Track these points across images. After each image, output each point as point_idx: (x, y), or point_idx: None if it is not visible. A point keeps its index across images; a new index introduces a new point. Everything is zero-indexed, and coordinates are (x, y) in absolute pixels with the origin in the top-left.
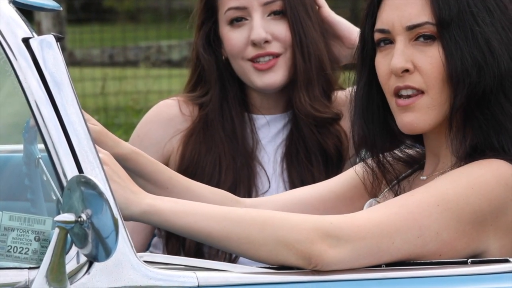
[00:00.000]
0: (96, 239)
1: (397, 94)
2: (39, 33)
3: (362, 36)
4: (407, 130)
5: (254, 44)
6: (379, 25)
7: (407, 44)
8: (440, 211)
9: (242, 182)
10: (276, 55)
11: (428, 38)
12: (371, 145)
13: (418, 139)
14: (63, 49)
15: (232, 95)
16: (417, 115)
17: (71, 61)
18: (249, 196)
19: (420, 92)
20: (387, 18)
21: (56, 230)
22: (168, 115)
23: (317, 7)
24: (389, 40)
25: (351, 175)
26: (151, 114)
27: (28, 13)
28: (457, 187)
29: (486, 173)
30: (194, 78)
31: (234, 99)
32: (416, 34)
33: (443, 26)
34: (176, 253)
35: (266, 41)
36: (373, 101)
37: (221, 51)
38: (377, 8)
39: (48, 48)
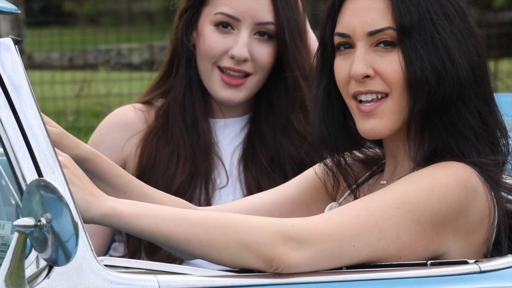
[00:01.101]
0: (56, 243)
1: (356, 98)
2: None
3: (322, 38)
4: (369, 136)
5: (233, 57)
6: (339, 29)
7: (368, 49)
8: (401, 213)
9: (200, 175)
10: (247, 74)
11: (389, 45)
12: (332, 147)
13: (377, 142)
14: (22, 52)
15: (195, 87)
16: (379, 121)
17: (30, 65)
18: (206, 190)
19: (384, 95)
20: (347, 22)
21: (16, 235)
22: (123, 120)
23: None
24: (349, 45)
25: (307, 178)
26: (106, 121)
27: None
28: (417, 189)
29: (446, 175)
30: (167, 66)
31: (198, 92)
32: (377, 39)
33: (404, 33)
34: (137, 250)
35: (245, 60)
36: (333, 105)
37: (191, 38)
38: (338, 11)
39: (6, 51)
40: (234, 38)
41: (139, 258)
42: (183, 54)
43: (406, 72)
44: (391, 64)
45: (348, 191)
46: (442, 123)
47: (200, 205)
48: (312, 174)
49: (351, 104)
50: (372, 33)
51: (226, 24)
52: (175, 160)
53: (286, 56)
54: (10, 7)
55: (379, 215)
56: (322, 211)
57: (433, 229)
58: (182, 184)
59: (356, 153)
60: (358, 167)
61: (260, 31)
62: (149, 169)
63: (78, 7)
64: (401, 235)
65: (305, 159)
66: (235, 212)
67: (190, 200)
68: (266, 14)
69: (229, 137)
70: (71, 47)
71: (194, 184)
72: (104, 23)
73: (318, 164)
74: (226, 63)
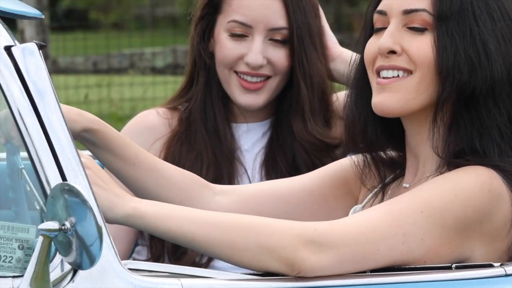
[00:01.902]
0: (80, 247)
1: (379, 73)
2: (23, 41)
3: (365, 19)
4: (378, 110)
5: (248, 64)
6: (379, 6)
7: (400, 28)
8: (425, 217)
9: (223, 180)
10: (266, 77)
11: (420, 30)
12: (363, 136)
13: (400, 145)
14: (46, 57)
15: (215, 93)
16: (392, 95)
17: (55, 69)
18: None
19: (407, 73)
20: (387, 1)
21: (40, 238)
22: (147, 124)
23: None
24: (385, 28)
25: (330, 172)
26: (130, 124)
27: (11, 21)
28: (441, 193)
29: (470, 179)
30: (188, 76)
31: (218, 97)
32: (411, 20)
33: (441, 18)
34: (160, 254)
35: (260, 66)
36: (365, 88)
37: (209, 45)
38: None
39: (30, 56)
40: (248, 45)
41: (162, 263)
42: (201, 62)
43: (438, 56)
44: (419, 44)
45: (371, 193)
46: (469, 116)
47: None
48: (336, 169)
49: (373, 82)
50: (407, 12)
51: (240, 32)
52: (199, 166)
53: (292, 61)
54: (35, 12)
55: (403, 219)
56: (341, 207)
57: (457, 234)
58: None
59: (381, 154)
60: (382, 169)
61: (274, 37)
62: None
63: (103, 15)
64: (425, 239)
65: (318, 164)
66: (250, 194)
67: None
68: (278, 20)
69: (251, 141)
70: (95, 51)
71: None
72: (128, 28)
73: (348, 158)
74: (242, 68)
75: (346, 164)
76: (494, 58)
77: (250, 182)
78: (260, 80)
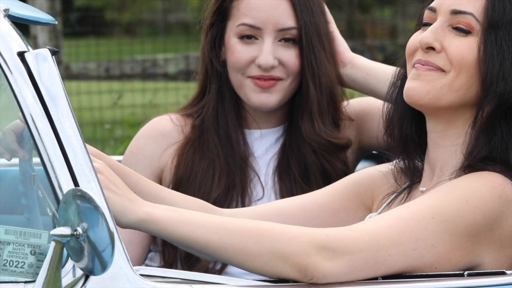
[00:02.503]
0: (92, 253)
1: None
2: (36, 46)
3: (418, 18)
4: (407, 96)
5: (260, 66)
6: (432, 3)
7: (444, 26)
8: (435, 223)
9: (236, 188)
10: (277, 79)
11: (463, 32)
12: (399, 130)
13: (420, 150)
14: (59, 62)
15: (228, 101)
16: (425, 85)
17: (68, 75)
18: (243, 202)
19: (442, 72)
20: None
21: (52, 244)
22: (160, 130)
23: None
24: (431, 23)
25: (340, 187)
26: (144, 130)
27: (24, 27)
28: (452, 200)
29: (481, 186)
30: (200, 85)
31: (230, 105)
32: (457, 21)
33: (492, 26)
34: (173, 261)
35: (272, 67)
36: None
37: (221, 53)
38: None
39: (43, 62)
40: (259, 47)
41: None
42: (213, 70)
43: (483, 63)
44: (460, 45)
45: (388, 201)
46: (508, 127)
47: None
48: (346, 182)
49: (410, 69)
50: (455, 12)
51: (249, 36)
52: (211, 173)
53: (301, 61)
54: (48, 18)
55: (414, 225)
56: (352, 219)
57: (468, 240)
58: (218, 197)
59: (403, 159)
60: (401, 176)
61: (284, 37)
62: (185, 181)
63: (119, 15)
64: (436, 245)
65: (326, 166)
66: (259, 215)
67: None
68: (287, 20)
69: (264, 147)
70: (108, 57)
71: (230, 197)
72: (140, 34)
73: (363, 171)
74: (255, 72)
75: (357, 177)
76: None
77: (263, 188)
78: (272, 80)
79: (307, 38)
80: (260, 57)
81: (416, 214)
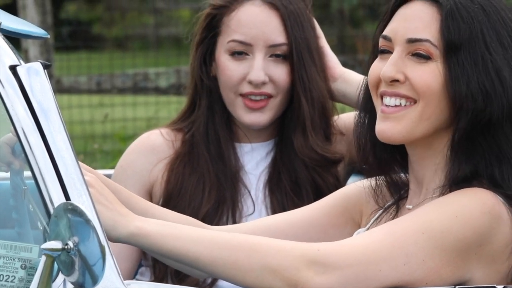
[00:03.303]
0: (83, 267)
1: (382, 99)
2: (27, 60)
3: (373, 43)
4: (380, 137)
5: (250, 82)
6: (385, 31)
7: (403, 56)
8: (426, 239)
9: (226, 203)
10: (268, 96)
11: (423, 58)
12: (373, 157)
13: (404, 166)
14: (51, 76)
15: (219, 116)
16: (395, 124)
17: (59, 89)
18: (233, 217)
19: (410, 102)
20: (393, 26)
21: (43, 258)
22: (151, 145)
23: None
24: (389, 51)
25: (328, 203)
26: (134, 145)
27: (15, 41)
28: (442, 215)
29: (471, 201)
30: (190, 101)
31: (221, 120)
32: (415, 49)
33: (451, 49)
34: (164, 276)
35: (263, 83)
36: (372, 110)
37: (211, 69)
38: (390, 17)
39: (35, 76)
40: (250, 64)
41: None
42: (203, 86)
43: (450, 87)
44: (423, 74)
45: (376, 216)
46: (487, 144)
47: None
48: (334, 198)
49: (377, 106)
50: (411, 41)
51: (240, 51)
52: (201, 188)
53: (292, 76)
54: (40, 32)
55: (404, 240)
56: (341, 235)
57: (458, 255)
58: (208, 212)
59: (388, 176)
60: (386, 192)
61: (275, 53)
62: (175, 196)
63: (106, 31)
64: (426, 261)
65: (317, 180)
66: (248, 232)
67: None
68: (277, 36)
69: (255, 161)
70: (99, 71)
71: (220, 212)
72: (131, 48)
73: (350, 186)
74: (246, 89)
75: (345, 192)
76: (509, 84)
77: (254, 203)
78: (263, 98)
79: (297, 53)
80: (251, 73)
81: (406, 229)
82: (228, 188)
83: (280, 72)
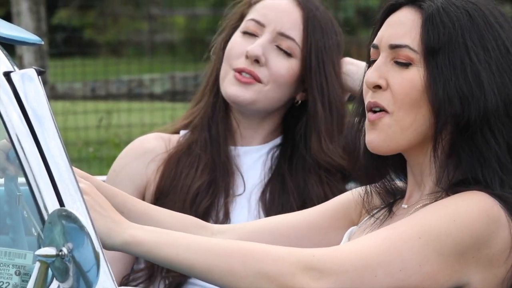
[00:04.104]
0: (78, 273)
1: (370, 109)
2: (21, 67)
3: (367, 55)
4: (370, 149)
5: (247, 57)
6: (373, 39)
7: (387, 61)
8: (422, 243)
9: (218, 183)
10: (257, 80)
11: (403, 65)
12: (370, 163)
13: (402, 168)
14: (45, 82)
15: (221, 116)
16: (378, 134)
17: (53, 95)
18: (225, 196)
19: (385, 112)
20: (380, 33)
21: (37, 264)
22: (143, 148)
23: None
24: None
25: (330, 206)
26: (127, 149)
27: (10, 47)
28: (439, 219)
29: (468, 205)
30: (198, 98)
31: (222, 120)
32: (396, 55)
33: (429, 52)
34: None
35: (257, 61)
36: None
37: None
38: (379, 26)
39: (29, 82)
40: (254, 41)
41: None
42: (216, 79)
43: (428, 91)
44: (401, 81)
45: (368, 216)
46: (468, 147)
47: (218, 214)
48: (336, 202)
49: (366, 117)
50: (392, 46)
51: (252, 33)
52: (195, 167)
53: (310, 79)
54: (35, 38)
55: (401, 245)
56: (341, 238)
57: (455, 260)
58: (200, 189)
59: (383, 181)
60: (384, 195)
61: (280, 45)
62: (168, 185)
63: (99, 36)
64: (423, 265)
65: (327, 192)
66: (248, 232)
67: (208, 208)
68: (291, 30)
69: (251, 162)
70: (94, 77)
71: (212, 192)
72: (126, 54)
73: (351, 191)
74: (241, 64)
75: (347, 196)
76: (486, 88)
77: (244, 184)
78: (250, 77)
79: (316, 56)
80: (250, 46)
81: (402, 234)
82: (221, 170)
83: (280, 63)
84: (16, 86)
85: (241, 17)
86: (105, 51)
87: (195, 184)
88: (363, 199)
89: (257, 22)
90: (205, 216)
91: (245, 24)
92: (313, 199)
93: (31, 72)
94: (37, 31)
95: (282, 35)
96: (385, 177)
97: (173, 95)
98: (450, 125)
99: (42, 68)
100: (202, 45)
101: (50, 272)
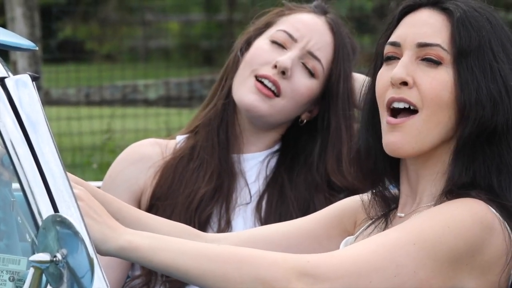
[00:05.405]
0: (72, 279)
1: (390, 107)
2: (15, 72)
3: (375, 52)
4: (390, 151)
5: (275, 66)
6: (392, 38)
7: (413, 60)
8: (417, 250)
9: (222, 190)
10: (278, 90)
11: (434, 63)
12: (374, 161)
13: (395, 178)
14: (39, 88)
15: (229, 123)
16: (404, 136)
17: (47, 101)
18: (227, 204)
19: (414, 111)
20: (401, 32)
21: (31, 270)
22: (139, 154)
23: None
24: (397, 57)
25: (325, 215)
26: (123, 155)
27: (4, 53)
28: (434, 225)
29: (462, 212)
30: (207, 101)
31: (228, 128)
32: (425, 53)
33: (461, 54)
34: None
35: (283, 73)
36: (376, 118)
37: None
38: (395, 25)
39: (23, 88)
40: (283, 53)
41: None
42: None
43: (460, 92)
44: (431, 80)
45: (365, 226)
46: (490, 152)
47: (220, 222)
48: (330, 210)
49: (383, 117)
50: (421, 45)
51: (281, 44)
52: (203, 172)
53: (335, 104)
54: (28, 44)
55: (395, 251)
56: (335, 246)
57: (449, 266)
58: (205, 195)
59: (381, 188)
60: (380, 203)
61: (306, 63)
62: (166, 189)
63: (99, 47)
64: (417, 272)
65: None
66: (242, 241)
67: (211, 214)
68: (319, 51)
69: (254, 170)
70: (88, 83)
71: (216, 199)
72: (120, 60)
73: (346, 199)
74: (265, 71)
75: (341, 205)
76: None
77: (250, 195)
78: (273, 89)
79: (344, 85)
80: (281, 57)
81: (397, 240)
82: (227, 176)
83: (302, 81)
84: (10, 91)
85: (267, 25)
86: (100, 57)
87: (201, 189)
88: (364, 209)
89: (290, 35)
90: (207, 222)
91: (276, 34)
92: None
93: (25, 78)
94: (31, 37)
95: (311, 54)
96: (378, 185)
97: (167, 101)
98: (474, 129)
99: (36, 74)
100: (196, 51)
101: (44, 278)
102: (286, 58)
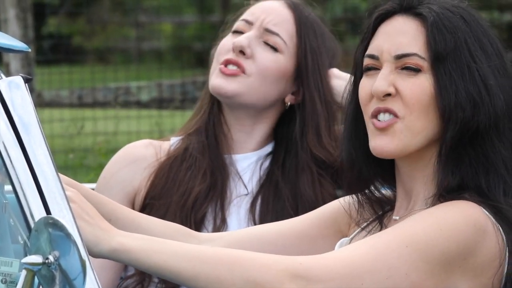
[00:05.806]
0: (64, 281)
1: (375, 116)
2: (8, 74)
3: (354, 61)
4: (378, 153)
5: (233, 50)
6: (369, 50)
7: (393, 70)
8: (409, 252)
9: (216, 188)
10: (241, 69)
11: (413, 71)
12: (358, 170)
13: (391, 180)
14: (32, 90)
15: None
16: (391, 139)
17: (40, 102)
18: (222, 199)
19: (401, 116)
20: (377, 44)
21: (23, 272)
22: (134, 155)
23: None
24: (376, 68)
25: (318, 215)
26: (117, 156)
27: None
28: (426, 228)
29: (455, 214)
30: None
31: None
32: (403, 63)
33: (438, 59)
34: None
35: (243, 52)
36: (360, 128)
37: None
38: (371, 34)
39: (16, 89)
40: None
41: None
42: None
43: (439, 97)
44: (411, 86)
45: (359, 229)
46: (475, 153)
47: (215, 219)
48: (324, 210)
49: (369, 124)
50: (398, 57)
51: (241, 31)
52: (195, 171)
53: (307, 77)
54: (21, 45)
55: (388, 253)
56: (329, 246)
57: (441, 268)
58: (199, 194)
59: (373, 191)
60: (373, 205)
61: (268, 41)
62: (160, 189)
63: (87, 41)
64: (409, 274)
65: (318, 195)
66: (237, 240)
67: (206, 213)
68: (276, 26)
69: (249, 170)
70: (81, 85)
71: (210, 197)
72: (113, 61)
73: (338, 200)
74: (228, 55)
75: (335, 204)
76: (494, 92)
77: (247, 189)
78: (235, 68)
79: (313, 59)
80: (237, 38)
81: (390, 243)
82: (220, 174)
83: (265, 56)
84: (3, 93)
85: (233, 21)
86: (92, 58)
87: (196, 187)
88: (357, 210)
89: (246, 21)
90: (202, 220)
91: (236, 24)
92: (305, 201)
93: (18, 80)
94: (24, 38)
95: (268, 30)
96: (370, 186)
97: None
98: (456, 132)
99: (29, 76)
100: (189, 52)
101: (36, 280)
102: (240, 37)
